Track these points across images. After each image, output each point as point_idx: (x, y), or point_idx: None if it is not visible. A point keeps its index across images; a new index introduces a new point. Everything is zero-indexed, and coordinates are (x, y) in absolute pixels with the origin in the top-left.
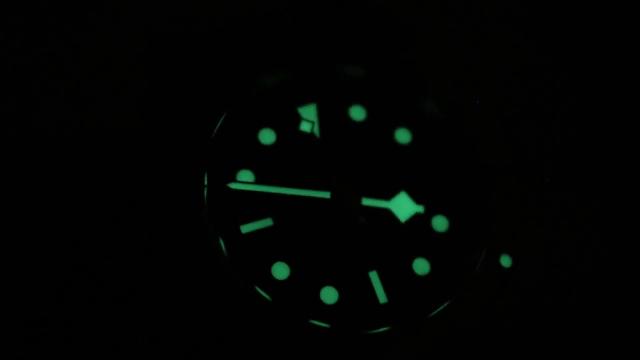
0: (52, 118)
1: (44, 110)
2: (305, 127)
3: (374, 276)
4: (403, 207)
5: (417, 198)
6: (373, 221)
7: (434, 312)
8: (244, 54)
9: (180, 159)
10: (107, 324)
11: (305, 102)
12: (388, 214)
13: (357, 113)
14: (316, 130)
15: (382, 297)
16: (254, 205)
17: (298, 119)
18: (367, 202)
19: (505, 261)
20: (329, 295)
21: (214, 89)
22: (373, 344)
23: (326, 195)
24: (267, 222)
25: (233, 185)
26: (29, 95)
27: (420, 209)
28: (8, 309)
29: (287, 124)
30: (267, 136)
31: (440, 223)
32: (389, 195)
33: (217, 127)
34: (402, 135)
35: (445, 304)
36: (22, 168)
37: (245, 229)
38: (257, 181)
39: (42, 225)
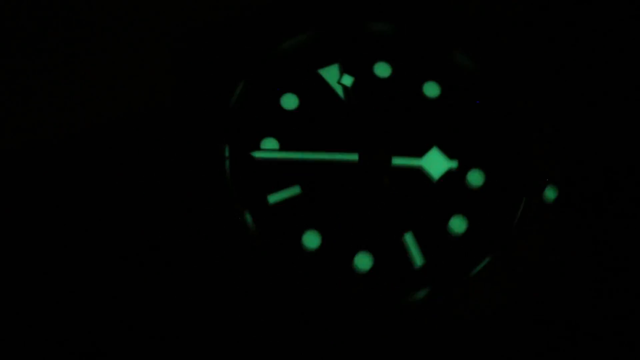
0: (70, 98)
1: (61, 96)
2: (345, 80)
3: (409, 238)
4: (435, 163)
5: (449, 153)
6: (404, 180)
7: (474, 271)
8: (261, 16)
9: (199, 131)
10: (135, 303)
11: (326, 63)
12: (420, 172)
13: (382, 70)
14: (340, 91)
15: (418, 260)
16: (280, 173)
17: (320, 81)
18: (397, 161)
19: (551, 194)
20: (363, 261)
21: (230, 55)
22: (412, 310)
23: (354, 157)
24: (295, 190)
25: (257, 154)
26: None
27: (453, 164)
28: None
29: (309, 87)
30: (289, 101)
31: (475, 178)
32: (420, 153)
33: (236, 95)
34: (431, 89)
35: (485, 262)
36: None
37: (273, 198)
38: (282, 148)
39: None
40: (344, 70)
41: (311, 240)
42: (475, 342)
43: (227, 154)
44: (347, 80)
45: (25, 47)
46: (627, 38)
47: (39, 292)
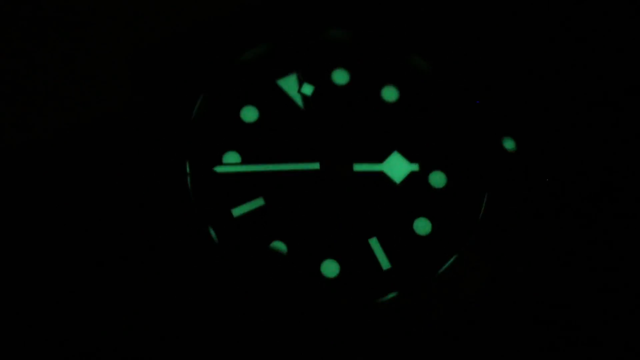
0: (31, 114)
1: (25, 108)
2: (305, 89)
3: (374, 243)
4: (397, 167)
5: (410, 157)
6: (367, 186)
7: (441, 270)
8: (219, 31)
9: (159, 147)
10: (99, 320)
11: (284, 73)
12: (382, 177)
13: (340, 77)
14: (299, 100)
15: (385, 264)
16: (243, 186)
17: (279, 92)
18: (359, 167)
19: (509, 144)
20: (330, 268)
21: (190, 71)
22: (381, 312)
23: (315, 166)
24: (258, 202)
25: (220, 169)
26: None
27: (415, 167)
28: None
29: (268, 99)
30: (249, 114)
31: (437, 179)
32: (381, 158)
33: (195, 110)
34: (389, 93)
35: (451, 260)
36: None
37: (237, 212)
38: (244, 161)
39: (26, 226)
40: (302, 80)
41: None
42: (446, 341)
43: (188, 169)
44: (308, 89)
45: None
46: (588, 33)
47: (20, 290)
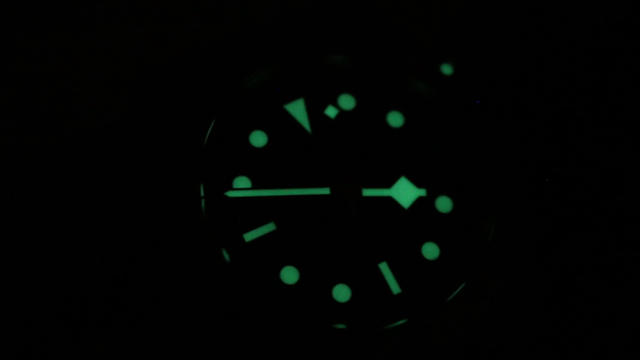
0: (36, 137)
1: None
2: (330, 112)
3: (384, 267)
4: (405, 192)
5: (417, 182)
6: (376, 211)
7: (450, 297)
8: (226, 56)
9: (174, 171)
10: (107, 344)
11: (291, 98)
12: (391, 201)
13: (346, 102)
14: (307, 126)
15: (395, 288)
16: (254, 211)
17: (287, 117)
18: (367, 192)
19: (447, 69)
20: (341, 293)
21: (199, 96)
22: (392, 338)
23: (326, 191)
24: (270, 227)
25: (230, 194)
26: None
27: (422, 192)
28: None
29: (276, 124)
30: (258, 139)
31: (444, 204)
32: (389, 183)
33: (208, 134)
34: (395, 119)
35: (460, 287)
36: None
37: (249, 237)
38: (255, 186)
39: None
40: (309, 105)
41: (289, 275)
42: None
43: (202, 193)
44: (332, 111)
45: None
46: (588, 51)
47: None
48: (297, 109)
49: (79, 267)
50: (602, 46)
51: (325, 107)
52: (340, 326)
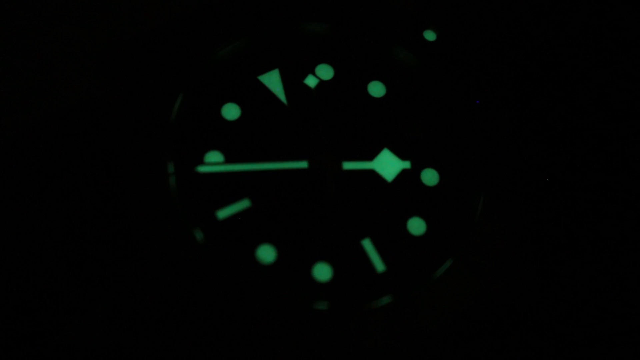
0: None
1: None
2: (309, 81)
3: (367, 244)
4: (388, 165)
5: (401, 154)
6: (358, 184)
7: (437, 274)
8: (195, 27)
9: (141, 148)
10: (81, 322)
11: (266, 69)
12: (373, 175)
13: (325, 72)
14: (283, 97)
15: (379, 266)
16: (227, 187)
17: (261, 88)
18: (348, 165)
19: (430, 35)
20: (322, 272)
21: (166, 69)
22: (376, 319)
23: (304, 165)
24: (244, 204)
25: (202, 169)
26: None
27: (406, 164)
28: None
29: (250, 96)
30: (231, 112)
31: (430, 177)
32: (371, 155)
33: (175, 110)
34: (376, 89)
35: (448, 263)
36: None
37: (222, 214)
38: (228, 160)
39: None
40: (284, 76)
41: (266, 254)
42: (440, 345)
43: (171, 169)
44: (312, 81)
45: None
46: (562, 28)
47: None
48: (272, 80)
49: (46, 251)
50: (584, 18)
51: (302, 78)
52: (322, 307)
